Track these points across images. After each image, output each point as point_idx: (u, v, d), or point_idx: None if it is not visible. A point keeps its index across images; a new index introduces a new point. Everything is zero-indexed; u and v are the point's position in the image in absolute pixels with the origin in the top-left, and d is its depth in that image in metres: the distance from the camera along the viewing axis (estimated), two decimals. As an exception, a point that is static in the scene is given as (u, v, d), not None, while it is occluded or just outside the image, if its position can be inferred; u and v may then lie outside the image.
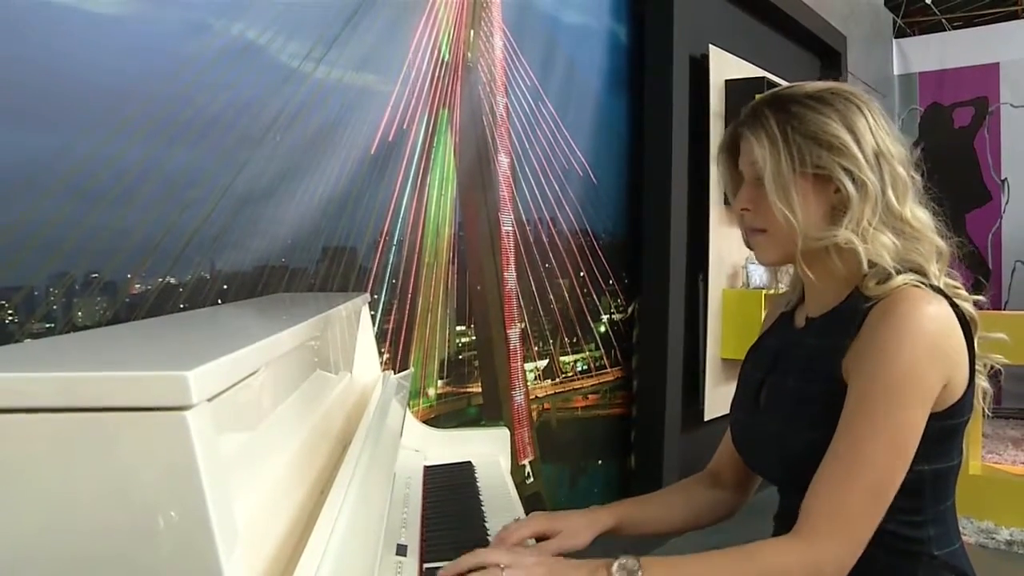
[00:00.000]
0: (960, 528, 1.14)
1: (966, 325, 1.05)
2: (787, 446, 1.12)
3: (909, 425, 1.00)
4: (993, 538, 3.25)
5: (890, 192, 1.08)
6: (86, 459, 0.54)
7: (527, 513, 1.30)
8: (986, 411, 1.13)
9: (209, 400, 0.55)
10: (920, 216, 1.11)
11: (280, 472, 0.86)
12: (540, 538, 1.16)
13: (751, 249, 1.22)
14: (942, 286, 1.09)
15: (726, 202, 2.90)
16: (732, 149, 1.21)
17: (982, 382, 1.10)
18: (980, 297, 1.13)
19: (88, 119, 1.44)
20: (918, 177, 1.14)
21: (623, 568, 0.98)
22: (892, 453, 0.99)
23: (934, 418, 1.03)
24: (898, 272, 1.05)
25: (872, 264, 1.07)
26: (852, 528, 0.98)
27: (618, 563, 0.98)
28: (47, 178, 1.38)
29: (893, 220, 1.09)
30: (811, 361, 1.13)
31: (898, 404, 0.99)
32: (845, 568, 0.98)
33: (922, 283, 1.05)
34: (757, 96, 1.22)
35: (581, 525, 1.20)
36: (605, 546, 1.13)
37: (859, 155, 1.07)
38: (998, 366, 1.15)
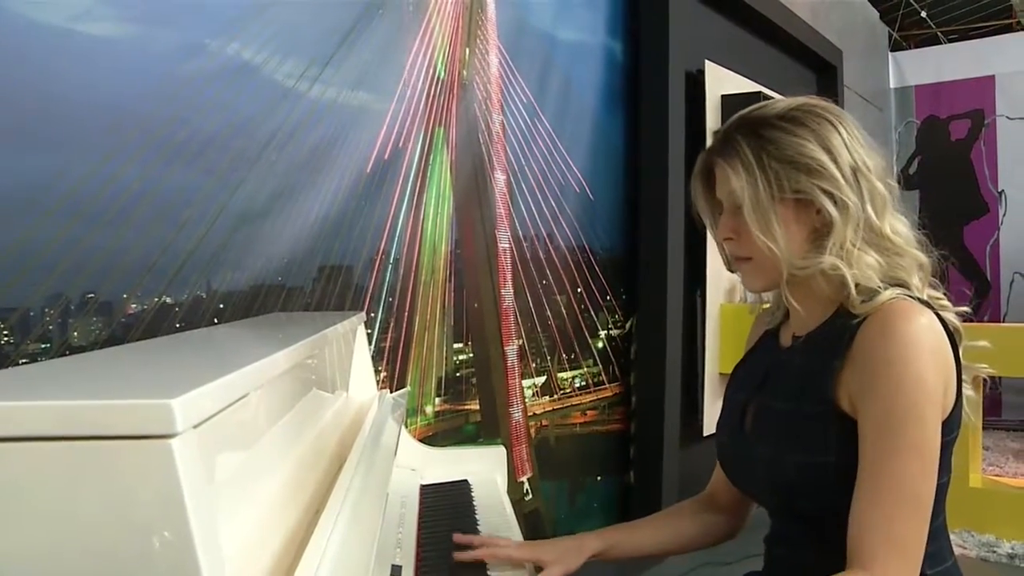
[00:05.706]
0: (961, 542, 1.14)
1: (951, 336, 1.04)
2: (778, 471, 1.10)
3: (932, 438, 0.99)
4: (994, 551, 3.23)
5: (869, 208, 1.07)
6: (76, 486, 0.54)
7: (523, 531, 1.30)
8: (971, 417, 1.12)
9: (195, 427, 0.55)
10: (900, 229, 1.10)
11: (272, 494, 0.86)
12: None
13: (732, 272, 1.22)
14: (926, 298, 1.08)
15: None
16: (707, 177, 1.20)
17: (968, 391, 1.09)
18: (965, 308, 1.13)
19: (85, 140, 1.44)
20: (895, 185, 1.13)
21: None
22: (924, 469, 0.99)
23: None
24: (883, 288, 1.05)
25: (858, 285, 1.06)
26: (910, 552, 0.97)
27: None
28: (44, 199, 1.38)
29: (874, 237, 1.08)
30: (800, 383, 1.11)
31: (920, 419, 0.98)
32: None
33: (908, 296, 1.05)
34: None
35: (568, 551, 1.19)
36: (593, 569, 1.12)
37: (837, 175, 1.06)
38: (985, 376, 1.15)
